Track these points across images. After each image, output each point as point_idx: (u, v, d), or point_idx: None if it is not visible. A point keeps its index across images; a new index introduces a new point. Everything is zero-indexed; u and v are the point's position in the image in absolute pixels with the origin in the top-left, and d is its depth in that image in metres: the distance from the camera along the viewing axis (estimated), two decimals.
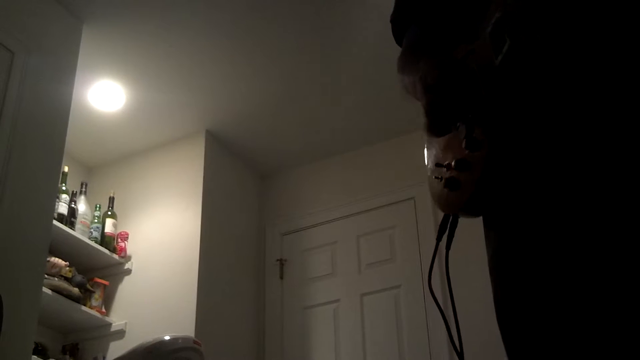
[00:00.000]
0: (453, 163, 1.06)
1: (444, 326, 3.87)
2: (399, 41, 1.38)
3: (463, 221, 1.15)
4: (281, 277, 4.24)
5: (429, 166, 1.17)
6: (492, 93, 1.01)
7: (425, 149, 1.19)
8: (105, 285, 3.81)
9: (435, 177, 1.13)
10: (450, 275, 1.18)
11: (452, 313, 1.19)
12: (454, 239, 1.17)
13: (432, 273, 1.25)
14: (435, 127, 1.10)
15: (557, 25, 0.94)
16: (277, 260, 4.29)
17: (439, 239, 1.18)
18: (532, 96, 0.96)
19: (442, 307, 1.29)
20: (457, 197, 1.07)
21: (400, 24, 1.37)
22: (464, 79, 1.05)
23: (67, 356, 3.65)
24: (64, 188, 3.70)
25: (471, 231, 1.33)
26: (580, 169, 0.92)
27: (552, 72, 0.94)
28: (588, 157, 0.91)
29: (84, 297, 3.64)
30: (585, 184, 0.91)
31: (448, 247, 1.17)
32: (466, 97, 1.04)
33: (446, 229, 1.17)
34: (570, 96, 0.93)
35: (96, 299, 3.73)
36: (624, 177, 0.88)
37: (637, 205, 0.87)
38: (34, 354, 3.02)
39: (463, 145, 1.04)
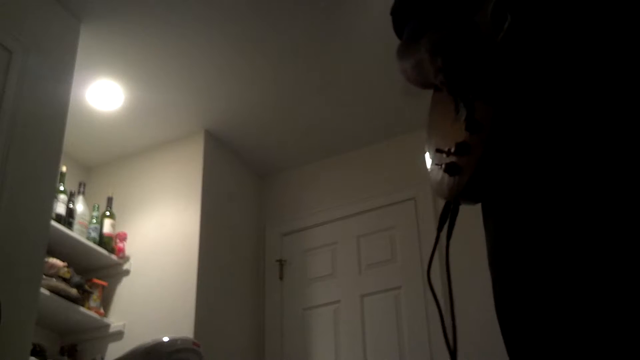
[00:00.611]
0: (453, 148, 1.05)
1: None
2: (399, 34, 1.37)
3: (466, 214, 1.12)
4: (281, 278, 4.22)
5: (429, 155, 1.16)
6: (493, 72, 1.00)
7: (427, 141, 1.18)
8: (103, 286, 3.80)
9: (436, 164, 1.11)
10: (452, 268, 1.15)
11: (450, 306, 1.16)
12: (454, 229, 1.14)
13: (433, 266, 1.22)
14: (455, 87, 1.06)
15: (556, 3, 0.93)
16: (277, 260, 4.27)
17: (439, 229, 1.16)
18: (532, 75, 0.96)
19: (441, 301, 1.25)
20: (456, 182, 1.06)
21: (400, 16, 1.36)
22: (471, 37, 1.04)
23: (65, 357, 3.63)
24: (62, 188, 3.68)
25: (473, 224, 1.31)
26: (580, 154, 0.91)
27: (552, 49, 0.94)
28: (589, 142, 0.90)
29: (82, 298, 3.62)
30: (586, 170, 0.90)
31: (448, 237, 1.14)
32: (476, 55, 1.02)
33: (447, 218, 1.14)
34: (571, 76, 0.92)
35: (94, 300, 3.71)
36: (626, 165, 0.87)
37: (636, 195, 0.85)
38: (32, 355, 3.00)
39: (463, 127, 1.02)
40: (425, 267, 3.82)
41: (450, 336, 1.09)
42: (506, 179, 0.99)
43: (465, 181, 1.03)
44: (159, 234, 3.95)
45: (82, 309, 3.58)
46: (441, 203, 1.14)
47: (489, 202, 1.05)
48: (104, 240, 3.86)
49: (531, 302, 0.93)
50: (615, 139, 0.88)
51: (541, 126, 0.95)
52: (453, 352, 1.09)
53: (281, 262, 4.26)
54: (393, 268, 3.96)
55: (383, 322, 3.84)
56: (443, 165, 1.07)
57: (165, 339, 2.48)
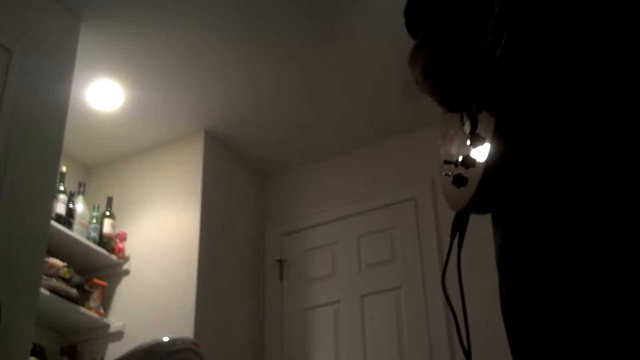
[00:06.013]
0: (459, 160, 1.07)
1: (444, 328, 3.83)
2: (413, 35, 1.38)
3: (477, 221, 1.15)
4: (281, 278, 4.22)
5: (441, 163, 1.18)
6: (495, 87, 1.02)
7: (440, 147, 1.21)
8: (103, 286, 3.79)
9: (446, 174, 1.14)
10: (463, 274, 1.18)
11: (462, 312, 1.18)
12: (465, 237, 1.17)
13: (444, 272, 1.25)
14: (449, 105, 1.12)
15: (548, 18, 0.95)
16: (277, 260, 4.27)
17: (453, 237, 1.19)
18: (530, 90, 0.97)
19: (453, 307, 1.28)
20: (463, 194, 1.08)
21: (412, 17, 1.37)
22: (464, 64, 1.07)
23: (65, 357, 3.63)
24: (61, 188, 3.68)
25: (485, 231, 1.33)
26: (580, 161, 0.92)
27: (547, 65, 0.95)
28: (587, 149, 0.92)
29: (82, 298, 3.62)
30: (588, 176, 0.91)
31: (460, 246, 1.18)
32: (469, 79, 1.06)
33: (458, 227, 1.16)
34: (566, 90, 0.93)
35: (94, 300, 3.71)
36: (628, 169, 0.87)
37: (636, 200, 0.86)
38: (32, 355, 3.00)
39: (468, 142, 1.03)
40: (426, 267, 3.82)
41: (465, 341, 1.12)
42: (513, 188, 1.00)
43: (472, 194, 1.05)
44: (159, 234, 3.95)
45: (82, 309, 3.58)
46: (442, 203, 1.17)
47: (498, 209, 1.06)
48: (104, 241, 3.86)
49: (535, 299, 0.94)
50: (613, 142, 0.89)
51: (542, 136, 0.96)
52: (468, 353, 1.12)
53: (281, 262, 4.26)
54: (393, 268, 3.96)
55: (383, 322, 3.84)
56: (451, 177, 1.09)
57: (165, 339, 2.48)
